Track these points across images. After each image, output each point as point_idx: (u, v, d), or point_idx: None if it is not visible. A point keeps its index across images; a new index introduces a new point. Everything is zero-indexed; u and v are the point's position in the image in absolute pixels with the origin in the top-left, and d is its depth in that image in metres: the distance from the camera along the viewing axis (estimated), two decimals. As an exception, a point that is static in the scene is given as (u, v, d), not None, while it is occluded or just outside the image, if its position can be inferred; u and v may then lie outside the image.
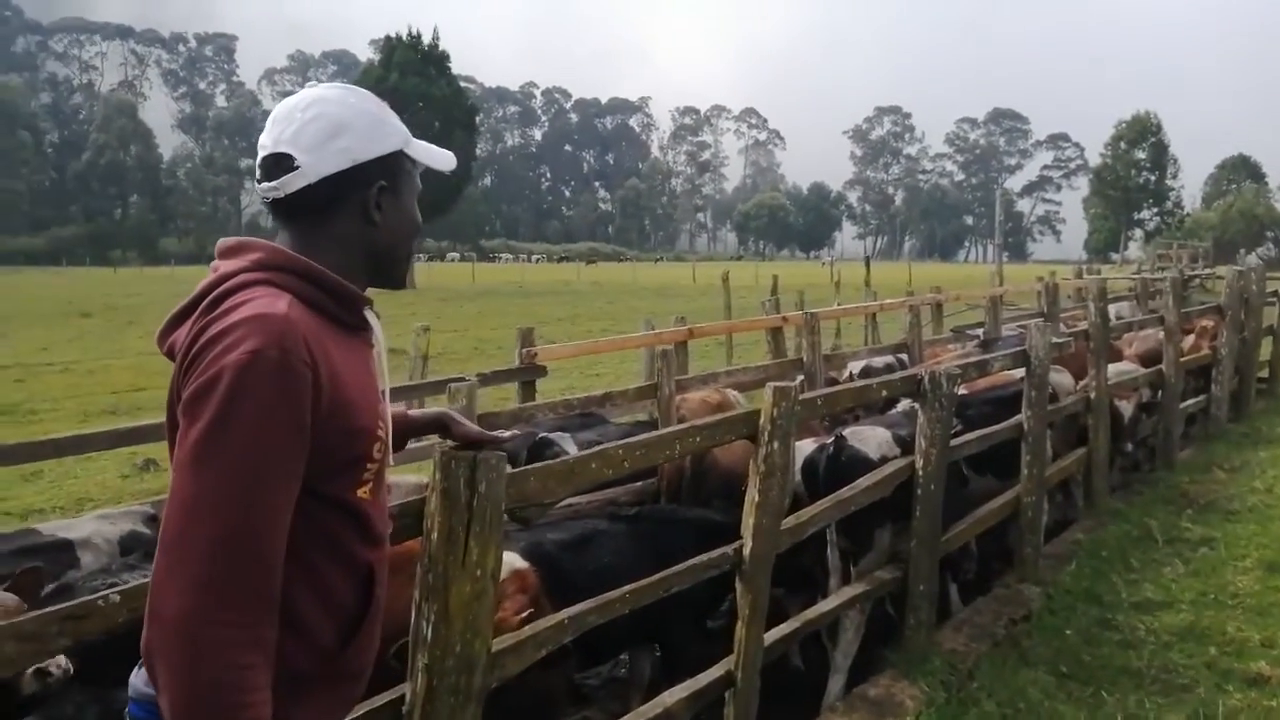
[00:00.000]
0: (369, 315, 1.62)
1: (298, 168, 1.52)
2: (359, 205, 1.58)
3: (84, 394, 13.82)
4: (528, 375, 6.42)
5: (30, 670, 2.28)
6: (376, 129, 1.59)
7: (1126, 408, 6.92)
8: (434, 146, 1.72)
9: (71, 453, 4.84)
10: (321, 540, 1.49)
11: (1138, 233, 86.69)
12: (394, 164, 1.61)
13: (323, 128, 1.53)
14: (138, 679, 1.52)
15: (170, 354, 1.50)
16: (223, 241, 1.57)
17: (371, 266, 1.64)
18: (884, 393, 4.72)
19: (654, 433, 3.40)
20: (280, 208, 1.56)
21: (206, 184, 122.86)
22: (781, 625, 3.83)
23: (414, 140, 1.67)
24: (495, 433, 2.07)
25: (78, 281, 50.90)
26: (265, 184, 1.55)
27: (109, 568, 3.33)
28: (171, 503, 1.36)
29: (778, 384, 3.40)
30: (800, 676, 4.60)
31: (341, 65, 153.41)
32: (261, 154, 1.56)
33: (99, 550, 3.70)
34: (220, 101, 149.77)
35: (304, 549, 1.45)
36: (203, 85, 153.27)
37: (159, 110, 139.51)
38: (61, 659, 2.34)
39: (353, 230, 1.59)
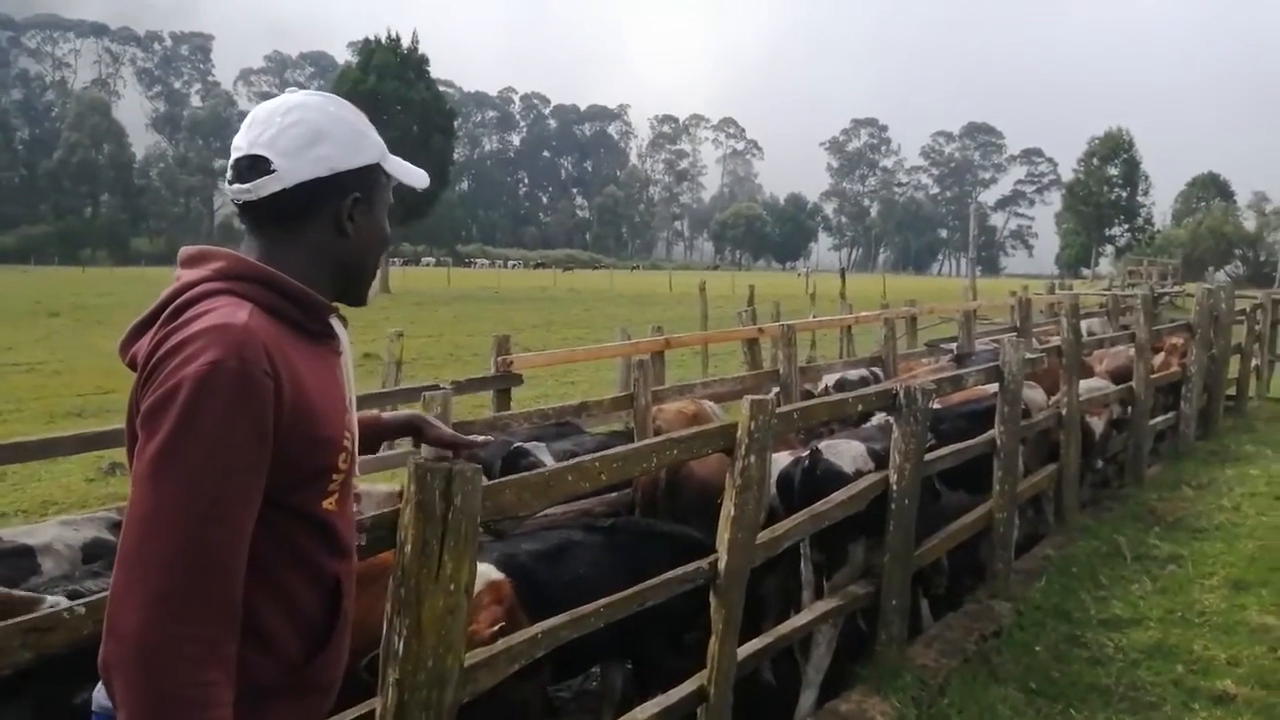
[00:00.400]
0: (334, 323, 1.60)
1: (273, 171, 1.49)
2: (332, 215, 1.56)
3: (50, 395, 13.60)
4: (503, 383, 6.39)
5: None
6: (356, 140, 1.58)
7: (1097, 424, 7.00)
8: (408, 164, 1.70)
9: (37, 456, 4.76)
10: (286, 552, 1.47)
11: (1109, 248, 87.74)
12: (370, 177, 1.59)
13: (302, 134, 1.51)
14: (100, 693, 1.50)
15: (132, 365, 1.47)
16: (184, 250, 1.55)
17: (338, 278, 1.61)
18: (860, 407, 4.74)
19: (631, 445, 3.39)
20: (251, 211, 1.54)
21: (180, 184, 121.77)
22: (755, 640, 3.83)
23: (391, 156, 1.65)
24: (470, 437, 2.05)
25: (46, 280, 50.18)
26: (237, 185, 1.52)
27: (71, 575, 3.27)
28: (130, 516, 1.34)
29: (755, 397, 3.40)
30: (772, 691, 4.60)
31: (319, 67, 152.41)
32: (235, 155, 1.53)
33: (60, 557, 3.63)
34: (195, 101, 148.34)
35: (269, 561, 1.43)
36: (178, 84, 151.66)
37: (133, 109, 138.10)
38: None
39: (324, 240, 1.56)
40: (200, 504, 1.31)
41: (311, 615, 1.53)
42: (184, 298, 1.44)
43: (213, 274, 1.47)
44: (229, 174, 1.54)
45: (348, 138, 1.56)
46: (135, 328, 1.50)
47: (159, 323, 1.44)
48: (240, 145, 1.53)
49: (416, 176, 1.70)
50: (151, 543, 1.30)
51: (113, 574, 1.34)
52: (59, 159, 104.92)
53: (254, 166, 1.50)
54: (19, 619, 1.74)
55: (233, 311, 1.40)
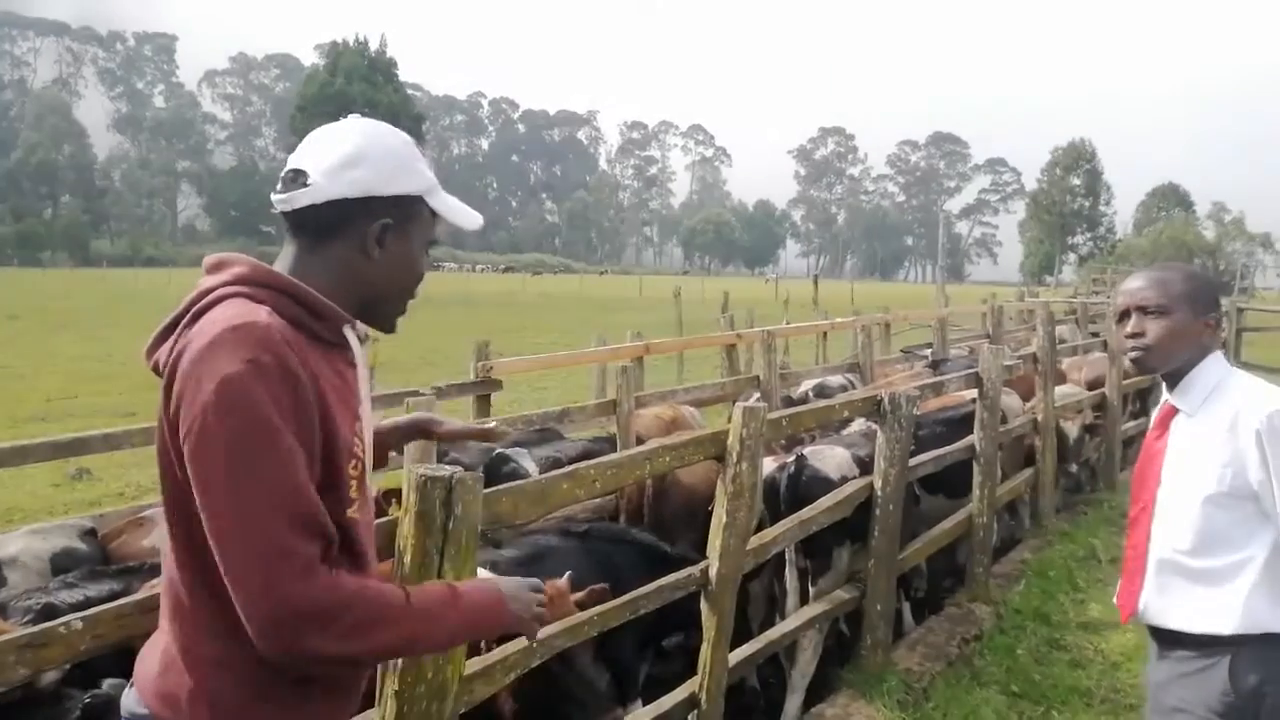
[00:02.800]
0: (350, 335, 1.60)
1: (309, 185, 1.53)
2: (359, 236, 1.57)
3: (12, 400, 13.33)
4: (483, 389, 6.35)
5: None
6: (397, 169, 1.58)
7: (1072, 429, 7.08)
8: (463, 205, 1.70)
9: (8, 464, 4.65)
10: None
11: (1071, 257, 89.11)
12: (408, 207, 1.60)
13: (344, 154, 1.54)
14: (129, 699, 1.51)
15: (156, 370, 1.49)
16: (208, 258, 1.57)
17: (360, 298, 1.61)
18: (846, 413, 4.76)
19: (625, 452, 3.38)
20: (287, 220, 1.57)
21: (142, 186, 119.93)
22: (744, 646, 3.82)
23: (442, 193, 1.65)
24: (483, 426, 2.04)
25: (5, 282, 49.17)
26: (277, 195, 1.56)
27: (46, 587, 3.19)
28: (219, 530, 1.35)
29: (747, 405, 3.39)
30: (757, 696, 4.60)
31: (285, 69, 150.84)
32: (288, 165, 1.58)
33: (28, 569, 3.55)
34: (159, 102, 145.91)
35: None
36: (140, 85, 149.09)
37: (94, 109, 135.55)
38: None
39: (348, 258, 1.58)
40: (282, 494, 1.35)
41: None
42: (203, 302, 1.48)
43: (231, 279, 1.50)
44: (278, 184, 1.57)
45: (389, 165, 1.57)
46: (159, 334, 1.51)
47: (180, 327, 1.48)
48: (292, 158, 1.58)
49: (467, 218, 1.70)
50: (255, 542, 1.33)
51: (230, 584, 1.35)
52: (17, 159, 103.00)
53: (294, 178, 1.54)
54: (14, 635, 1.69)
55: (251, 310, 1.43)
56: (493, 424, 2.08)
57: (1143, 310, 2.27)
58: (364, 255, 1.57)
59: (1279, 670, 2.09)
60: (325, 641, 1.35)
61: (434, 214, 1.65)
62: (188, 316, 1.47)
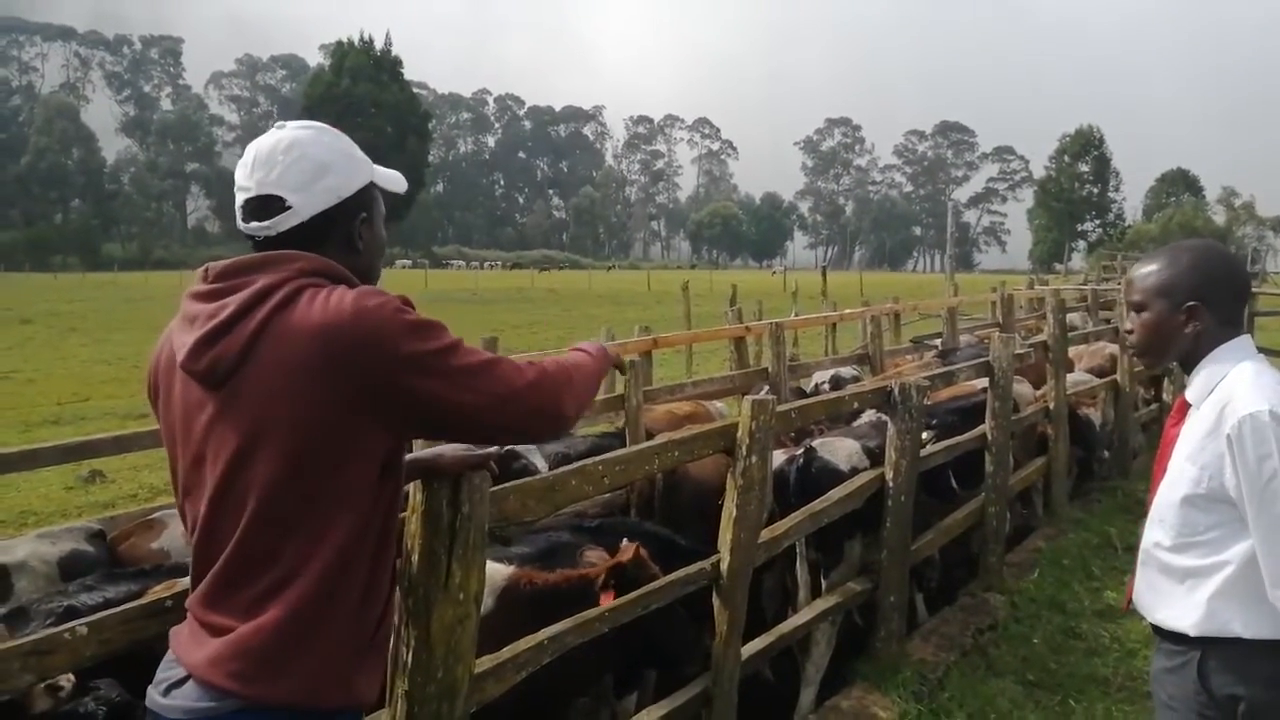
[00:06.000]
0: None
1: (289, 208, 1.61)
2: (344, 236, 1.68)
3: (25, 404, 13.39)
4: (476, 437, 6.32)
5: (41, 686, 2.23)
6: (353, 165, 1.70)
7: (1095, 416, 7.00)
8: (389, 170, 1.81)
9: (18, 468, 4.65)
10: (391, 525, 1.64)
11: (1081, 244, 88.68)
12: (368, 195, 1.73)
13: (307, 169, 1.62)
14: (187, 696, 1.52)
15: (212, 368, 1.51)
16: (233, 261, 1.60)
17: None
18: (855, 405, 4.73)
19: (634, 447, 3.36)
20: (270, 244, 1.63)
21: (151, 188, 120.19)
22: (757, 640, 3.80)
23: (379, 169, 1.78)
24: (484, 451, 2.03)
25: (16, 287, 49.43)
26: (255, 224, 1.63)
27: (66, 590, 3.18)
28: (474, 410, 1.57)
29: (755, 398, 3.37)
30: (771, 689, 4.57)
31: (291, 69, 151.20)
32: (244, 195, 1.64)
33: (36, 574, 3.53)
34: (166, 105, 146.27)
35: (387, 531, 1.62)
36: (148, 88, 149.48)
37: (102, 113, 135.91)
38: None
39: (339, 258, 1.65)
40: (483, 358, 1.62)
41: (388, 589, 1.69)
42: (278, 297, 1.52)
43: (295, 273, 1.56)
44: (240, 213, 1.65)
45: (346, 165, 1.68)
46: (206, 337, 1.52)
47: (266, 312, 1.51)
48: (248, 186, 1.64)
49: (398, 183, 1.82)
50: (500, 392, 1.59)
51: (502, 436, 1.79)
52: (27, 164, 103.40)
53: (267, 206, 1.62)
54: (19, 641, 1.68)
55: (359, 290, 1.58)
56: (495, 450, 2.10)
57: (1130, 305, 2.21)
58: (351, 251, 1.69)
59: (1248, 675, 2.03)
60: (570, 400, 1.70)
61: (380, 190, 1.78)
62: (272, 304, 1.51)
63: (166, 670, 1.58)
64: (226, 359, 1.50)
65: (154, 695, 1.56)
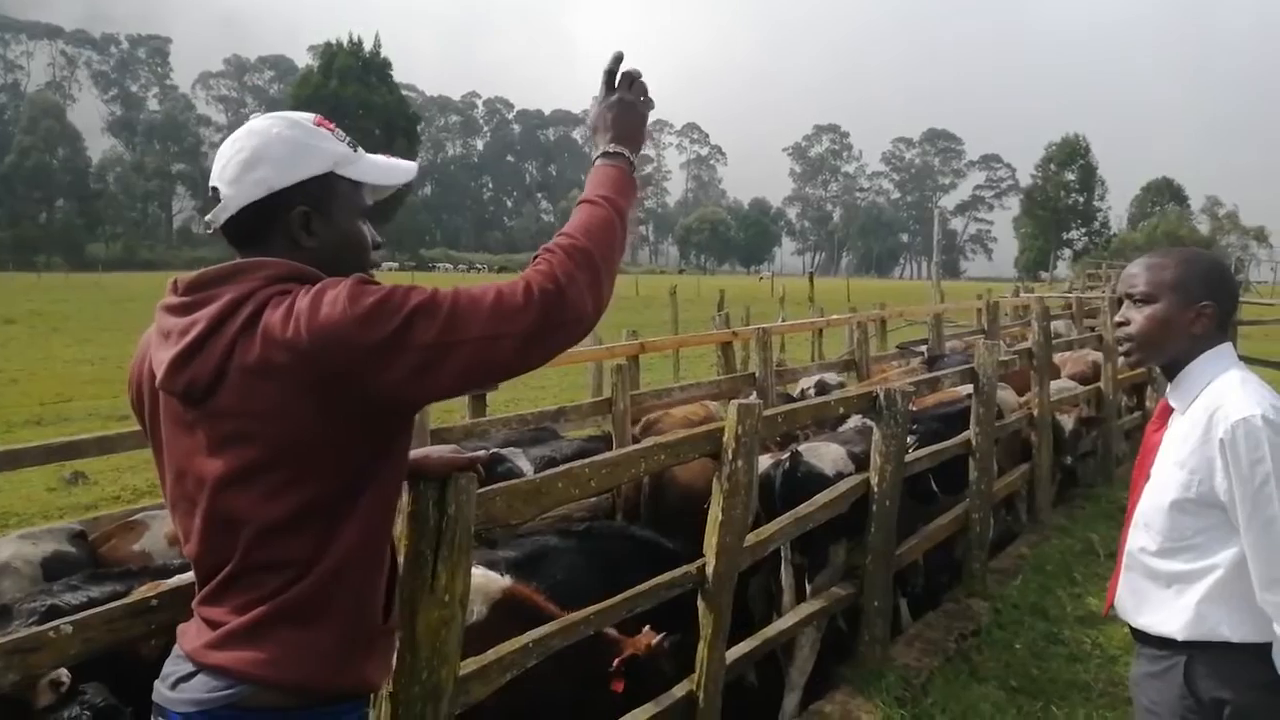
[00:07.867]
0: None
1: (221, 200, 1.57)
2: (283, 230, 1.58)
3: (7, 404, 13.29)
4: (479, 389, 6.32)
5: (45, 681, 2.24)
6: (296, 156, 1.58)
7: (1067, 422, 7.07)
8: (390, 160, 1.71)
9: (0, 469, 4.62)
10: (390, 514, 1.62)
11: (1066, 252, 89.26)
12: (317, 188, 1.60)
13: (244, 160, 1.57)
14: (197, 689, 1.51)
15: (190, 386, 1.47)
16: (208, 271, 1.55)
17: None
18: (841, 410, 4.74)
19: (620, 451, 3.37)
20: (236, 242, 1.61)
21: (137, 189, 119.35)
22: (742, 644, 3.81)
23: (358, 159, 1.65)
24: (471, 454, 2.04)
25: (0, 287, 49.06)
26: (206, 217, 1.62)
27: (50, 589, 3.17)
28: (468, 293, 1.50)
29: (742, 402, 3.38)
30: (755, 693, 4.59)
31: (279, 70, 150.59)
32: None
33: (19, 575, 3.52)
34: (153, 105, 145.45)
35: (386, 519, 1.59)
36: (135, 88, 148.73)
37: (88, 112, 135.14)
38: (62, 670, 2.28)
39: (287, 257, 1.57)
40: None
41: (392, 570, 1.69)
42: (266, 292, 1.48)
43: (263, 281, 1.51)
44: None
45: (285, 156, 1.58)
46: (179, 359, 1.48)
47: (236, 328, 1.45)
48: (211, 180, 1.61)
49: (396, 173, 1.71)
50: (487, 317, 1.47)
51: (527, 351, 1.52)
52: (11, 163, 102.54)
53: (214, 197, 1.59)
54: (2, 639, 1.67)
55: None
56: (483, 454, 2.10)
57: (1131, 298, 2.19)
58: (297, 246, 1.58)
59: (1234, 678, 2.04)
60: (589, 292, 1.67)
61: (354, 182, 1.65)
62: (245, 316, 1.45)
63: (173, 665, 1.57)
64: (202, 379, 1.46)
65: (161, 690, 1.55)
